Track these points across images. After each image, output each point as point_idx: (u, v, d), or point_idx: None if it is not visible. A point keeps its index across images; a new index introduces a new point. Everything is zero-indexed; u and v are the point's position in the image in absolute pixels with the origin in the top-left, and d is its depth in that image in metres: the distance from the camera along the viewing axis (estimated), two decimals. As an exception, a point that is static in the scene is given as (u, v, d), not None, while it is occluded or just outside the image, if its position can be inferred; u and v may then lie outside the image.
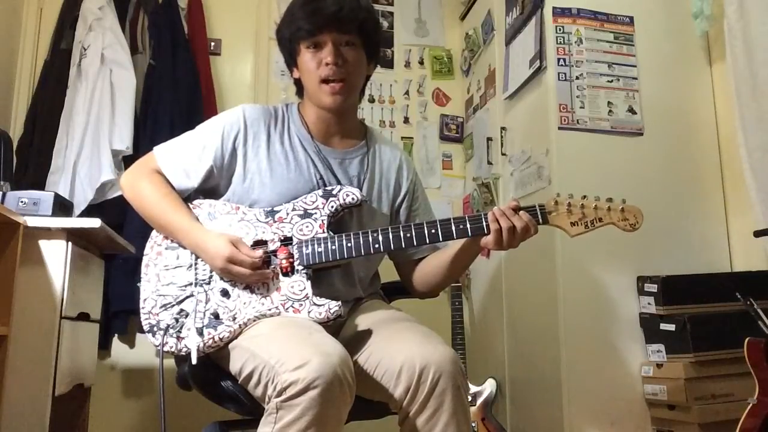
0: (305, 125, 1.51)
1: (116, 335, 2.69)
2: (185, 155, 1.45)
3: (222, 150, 1.44)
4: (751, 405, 1.60)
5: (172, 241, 1.42)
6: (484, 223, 1.33)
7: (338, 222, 1.42)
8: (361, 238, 1.34)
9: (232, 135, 1.45)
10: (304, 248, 1.35)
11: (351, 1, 1.43)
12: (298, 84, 1.54)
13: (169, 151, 1.47)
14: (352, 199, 1.40)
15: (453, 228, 1.34)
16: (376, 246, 1.34)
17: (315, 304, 1.30)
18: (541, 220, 1.34)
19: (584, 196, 1.36)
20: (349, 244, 1.34)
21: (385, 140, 1.65)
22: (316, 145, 1.49)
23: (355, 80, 1.48)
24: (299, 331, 1.24)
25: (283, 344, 1.19)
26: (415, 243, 1.35)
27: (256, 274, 1.32)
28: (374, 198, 1.52)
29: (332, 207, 1.40)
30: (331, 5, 1.40)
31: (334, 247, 1.34)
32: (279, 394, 1.10)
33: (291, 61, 1.51)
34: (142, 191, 1.44)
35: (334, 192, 1.41)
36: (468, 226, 1.34)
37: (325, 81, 1.43)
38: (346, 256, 1.34)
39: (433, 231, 1.34)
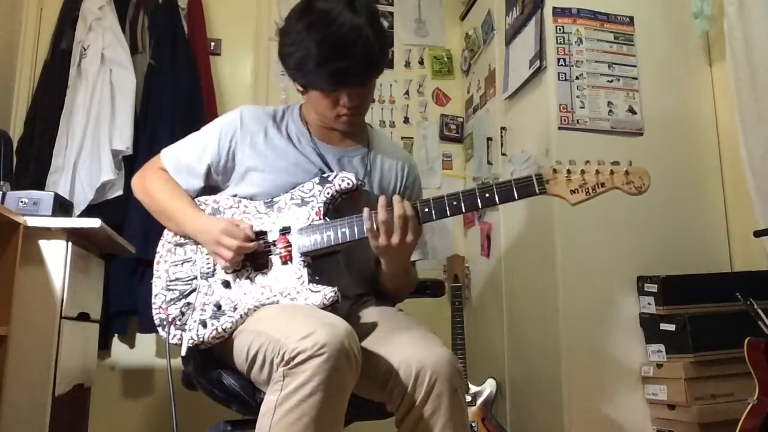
0: (305, 124, 1.52)
1: (116, 335, 2.69)
2: (188, 156, 1.50)
3: (218, 149, 1.47)
4: (751, 405, 1.60)
5: (180, 237, 1.46)
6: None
7: (338, 211, 1.41)
8: (355, 222, 1.34)
9: (228, 134, 1.48)
10: (301, 236, 1.37)
11: (373, 51, 1.34)
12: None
13: (174, 154, 1.52)
14: (348, 183, 1.40)
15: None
16: None
17: (311, 291, 1.31)
18: (537, 190, 1.30)
19: (587, 162, 1.30)
20: (344, 230, 1.34)
21: (388, 142, 1.65)
22: (315, 141, 1.50)
23: (367, 108, 1.48)
24: (304, 308, 1.27)
25: (289, 320, 1.21)
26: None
27: (245, 246, 1.34)
28: (374, 199, 1.51)
29: (328, 193, 1.40)
30: (355, 65, 1.32)
31: (329, 233, 1.35)
32: (286, 363, 1.12)
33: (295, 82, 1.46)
34: (150, 187, 1.49)
35: (330, 178, 1.41)
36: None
37: (339, 115, 1.42)
38: (341, 241, 1.34)
39: (426, 210, 1.32)
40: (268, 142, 1.48)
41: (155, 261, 1.47)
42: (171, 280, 1.42)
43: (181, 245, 1.46)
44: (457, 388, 1.22)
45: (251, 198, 1.45)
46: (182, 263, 1.44)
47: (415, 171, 1.62)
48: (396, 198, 1.31)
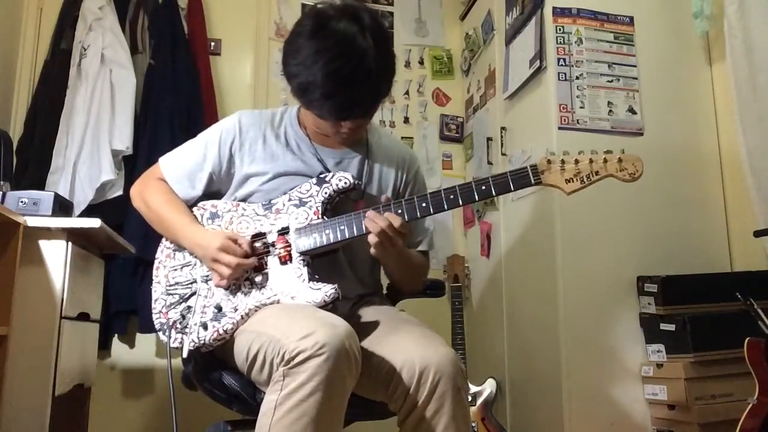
0: (303, 128, 1.52)
1: (116, 335, 2.69)
2: (188, 165, 1.49)
3: (220, 157, 1.47)
4: (751, 405, 1.61)
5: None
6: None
7: (337, 212, 1.41)
8: (353, 219, 1.35)
9: (228, 141, 1.48)
10: (300, 236, 1.37)
11: (382, 85, 1.34)
12: None
13: (173, 163, 1.51)
14: (345, 183, 1.40)
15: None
16: None
17: (312, 289, 1.32)
18: (533, 181, 1.31)
19: (580, 152, 1.32)
20: (342, 227, 1.35)
21: (388, 138, 1.64)
22: (313, 145, 1.50)
23: (368, 123, 1.48)
24: (304, 309, 1.27)
25: (290, 320, 1.21)
26: (406, 218, 1.33)
27: (243, 263, 1.34)
28: (376, 199, 1.50)
29: (326, 193, 1.40)
30: (362, 100, 1.33)
31: (327, 232, 1.36)
32: (286, 363, 1.12)
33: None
34: (148, 199, 1.49)
35: (327, 178, 1.42)
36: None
37: (339, 132, 1.42)
38: (339, 239, 1.35)
39: (423, 204, 1.33)
40: (267, 149, 1.47)
41: (154, 266, 1.47)
42: (171, 285, 1.42)
43: (179, 250, 1.46)
44: (460, 387, 1.22)
45: (250, 201, 1.46)
46: (182, 267, 1.44)
47: (415, 164, 1.61)
48: (371, 214, 1.31)
